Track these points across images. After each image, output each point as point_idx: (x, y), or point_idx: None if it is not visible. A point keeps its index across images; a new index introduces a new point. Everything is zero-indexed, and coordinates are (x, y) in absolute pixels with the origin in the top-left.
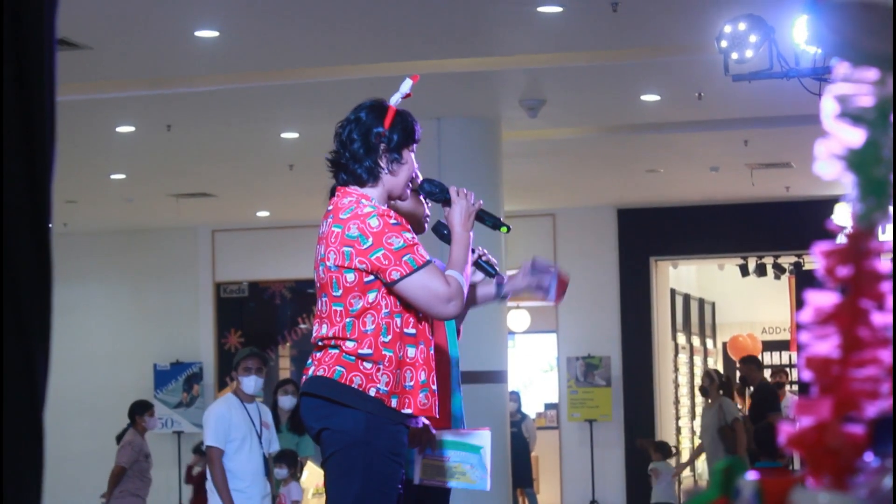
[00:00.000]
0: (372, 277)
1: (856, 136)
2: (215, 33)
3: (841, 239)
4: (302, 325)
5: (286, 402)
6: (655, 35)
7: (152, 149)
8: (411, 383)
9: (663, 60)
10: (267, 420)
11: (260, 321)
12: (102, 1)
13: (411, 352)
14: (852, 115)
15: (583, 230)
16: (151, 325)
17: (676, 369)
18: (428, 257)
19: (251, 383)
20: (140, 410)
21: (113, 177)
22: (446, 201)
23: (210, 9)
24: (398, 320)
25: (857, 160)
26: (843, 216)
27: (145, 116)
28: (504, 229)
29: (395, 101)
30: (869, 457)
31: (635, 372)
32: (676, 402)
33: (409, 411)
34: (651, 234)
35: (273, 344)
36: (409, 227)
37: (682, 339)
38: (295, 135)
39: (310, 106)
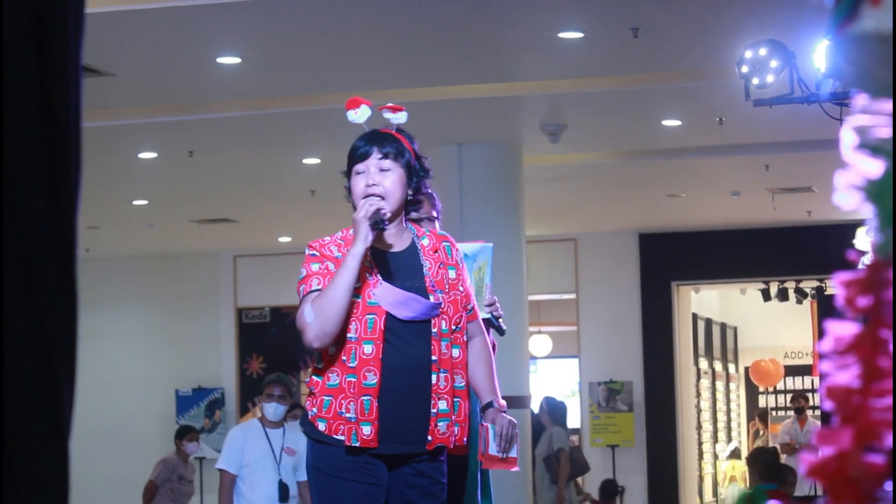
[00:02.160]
0: None
1: (875, 167)
2: (237, 60)
3: (863, 266)
4: None
5: (293, 426)
6: (676, 60)
7: (174, 175)
8: (343, 411)
9: (684, 86)
10: (291, 446)
11: (282, 347)
12: (125, 28)
13: (351, 380)
14: (871, 147)
15: (604, 255)
16: (173, 350)
17: (699, 394)
18: (315, 287)
19: (272, 409)
20: (180, 434)
21: (135, 203)
22: None
23: (232, 35)
24: (332, 348)
25: (876, 191)
26: (864, 241)
27: (167, 142)
28: (378, 227)
29: (395, 121)
30: (889, 486)
31: (657, 397)
32: (699, 427)
33: (341, 438)
34: (673, 258)
35: (294, 369)
36: (325, 256)
37: (704, 364)
38: (316, 160)
39: (331, 132)
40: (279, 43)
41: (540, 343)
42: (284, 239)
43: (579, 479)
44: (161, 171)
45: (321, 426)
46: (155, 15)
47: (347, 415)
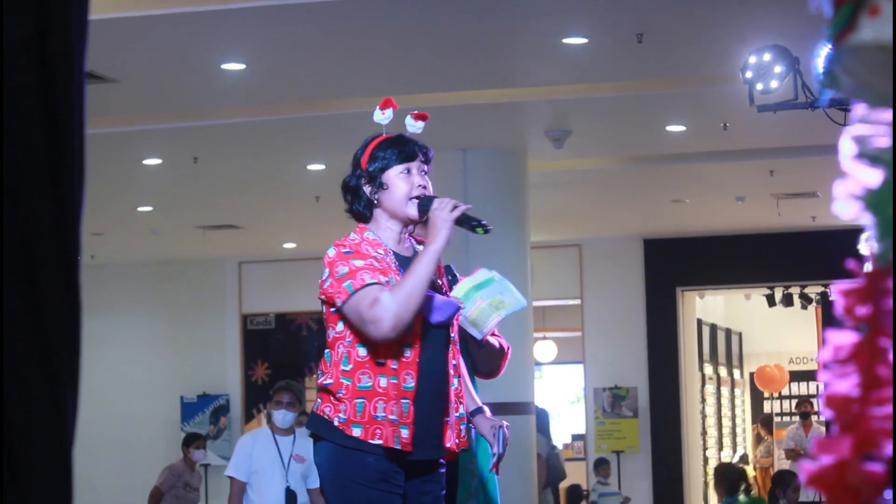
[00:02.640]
0: (335, 308)
1: (873, 177)
2: (242, 66)
3: (864, 269)
4: None
5: (299, 433)
6: (680, 66)
7: (179, 181)
8: (382, 414)
9: (688, 91)
10: (300, 453)
11: (287, 353)
12: (129, 34)
13: (383, 382)
14: (870, 156)
15: (609, 260)
16: (178, 357)
17: (703, 400)
18: (370, 280)
19: (280, 416)
20: (187, 442)
21: (140, 209)
22: None
23: (236, 42)
24: (361, 350)
25: (874, 200)
26: (867, 247)
27: (172, 149)
28: (479, 230)
29: (412, 129)
30: (888, 495)
31: (662, 403)
32: (704, 432)
33: (378, 442)
34: (677, 264)
35: (300, 376)
36: (365, 253)
37: (709, 369)
38: (321, 166)
39: (336, 138)
40: (284, 49)
41: (545, 349)
42: (289, 245)
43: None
44: (166, 177)
45: (356, 432)
46: (159, 21)
47: (391, 417)
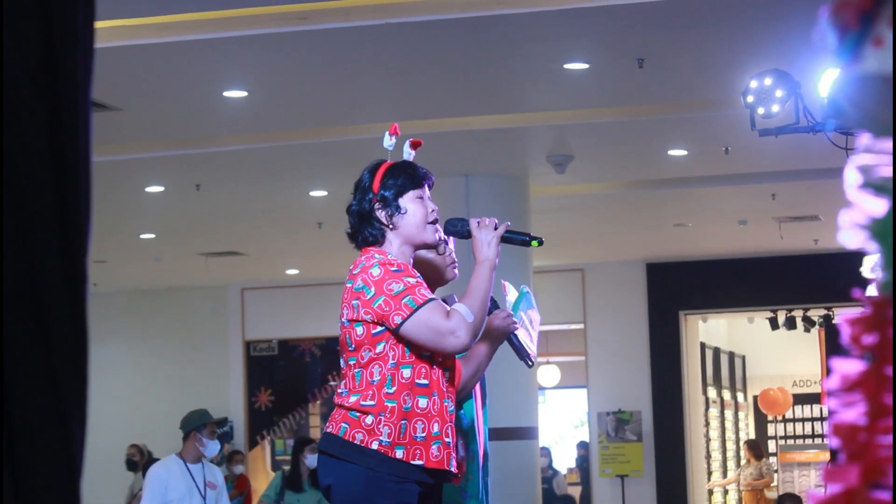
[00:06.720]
0: (380, 328)
1: (879, 206)
2: (244, 93)
3: (870, 293)
4: (332, 383)
5: (312, 460)
6: (682, 91)
7: (182, 208)
8: (423, 434)
9: (690, 116)
10: (213, 480)
11: (290, 379)
12: (131, 62)
13: (423, 402)
14: (875, 186)
15: (612, 285)
16: (182, 383)
17: (707, 423)
18: (430, 296)
19: (216, 447)
20: None
21: (142, 236)
22: (470, 234)
23: (238, 69)
24: (405, 371)
25: (880, 230)
26: (870, 269)
27: (174, 176)
28: (535, 243)
29: (407, 156)
30: None
31: (666, 427)
32: (708, 456)
33: (419, 462)
34: (680, 288)
35: (303, 402)
36: (413, 272)
37: (712, 393)
38: (323, 193)
39: (338, 164)
40: (285, 76)
41: (548, 373)
42: (292, 271)
43: None
44: (168, 204)
45: (399, 453)
46: (161, 49)
47: (447, 439)
